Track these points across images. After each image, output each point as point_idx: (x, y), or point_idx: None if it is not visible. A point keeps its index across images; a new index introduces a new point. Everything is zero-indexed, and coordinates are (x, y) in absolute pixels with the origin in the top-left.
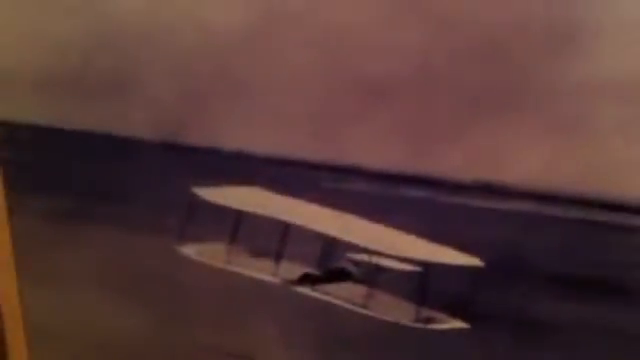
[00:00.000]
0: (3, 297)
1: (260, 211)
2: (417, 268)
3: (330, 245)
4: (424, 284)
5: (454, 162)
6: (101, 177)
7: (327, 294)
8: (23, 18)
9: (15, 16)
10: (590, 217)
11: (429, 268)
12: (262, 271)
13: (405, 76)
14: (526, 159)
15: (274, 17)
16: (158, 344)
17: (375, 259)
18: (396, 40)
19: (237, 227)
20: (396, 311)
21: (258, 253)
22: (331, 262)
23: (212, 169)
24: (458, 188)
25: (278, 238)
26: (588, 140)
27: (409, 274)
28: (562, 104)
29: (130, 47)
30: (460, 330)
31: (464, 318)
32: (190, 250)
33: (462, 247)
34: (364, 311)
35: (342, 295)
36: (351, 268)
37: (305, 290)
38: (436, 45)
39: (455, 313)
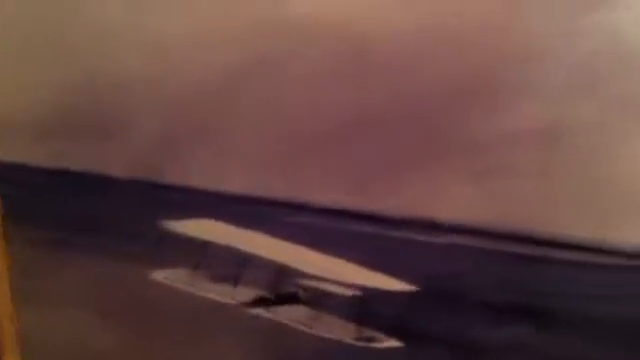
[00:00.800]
0: (1, 316)
1: (221, 241)
2: (357, 293)
3: (282, 272)
4: (364, 307)
5: (395, 201)
6: (86, 211)
7: (278, 315)
8: (19, 73)
9: (11, 70)
10: (514, 250)
11: (369, 293)
12: (221, 294)
13: (352, 128)
14: (457, 199)
15: (238, 79)
16: (131, 356)
17: (322, 285)
18: (343, 99)
19: (201, 255)
20: (339, 331)
21: (219, 278)
22: (283, 287)
23: (181, 204)
24: (398, 223)
25: (237, 265)
26: (509, 182)
27: (352, 298)
28: (488, 152)
29: (114, 98)
30: (397, 348)
31: (400, 338)
32: (159, 275)
33: (401, 275)
34: (310, 331)
35: (291, 316)
36: (300, 293)
37: (259, 311)
38: (378, 102)
39: (392, 333)
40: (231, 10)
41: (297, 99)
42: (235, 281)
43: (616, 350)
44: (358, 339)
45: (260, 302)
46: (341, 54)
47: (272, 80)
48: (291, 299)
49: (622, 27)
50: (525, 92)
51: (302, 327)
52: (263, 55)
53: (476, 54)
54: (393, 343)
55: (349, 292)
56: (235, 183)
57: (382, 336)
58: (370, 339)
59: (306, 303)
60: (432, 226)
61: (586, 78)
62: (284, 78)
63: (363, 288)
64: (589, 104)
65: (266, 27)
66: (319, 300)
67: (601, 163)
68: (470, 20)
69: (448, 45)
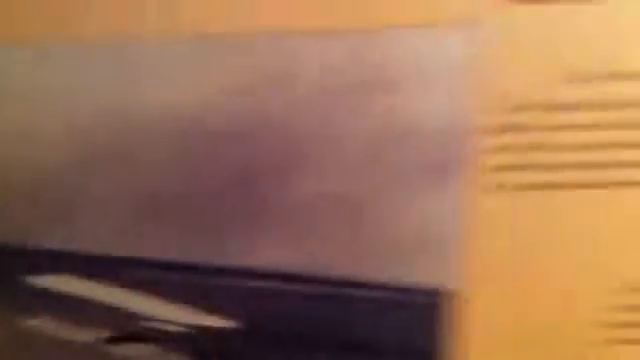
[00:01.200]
0: None
1: (78, 292)
2: (191, 331)
3: (129, 315)
4: (198, 343)
5: (223, 253)
6: None
7: (128, 352)
8: None
9: None
10: (325, 292)
11: (200, 330)
12: (78, 336)
13: (184, 200)
14: (274, 251)
15: (87, 164)
16: None
17: (161, 325)
18: (179, 176)
19: (62, 304)
20: None
21: (77, 323)
22: (130, 327)
23: (44, 263)
24: (223, 272)
25: (91, 311)
26: (321, 238)
27: (186, 335)
28: (300, 214)
29: None
30: None
31: None
32: (31, 323)
33: (227, 315)
34: None
35: (139, 353)
36: (147, 332)
37: (109, 349)
38: (210, 176)
39: None
40: (74, 102)
41: (140, 180)
42: (90, 324)
43: None
44: None
45: (112, 340)
46: (181, 141)
47: (119, 165)
48: (138, 338)
49: (403, 107)
50: (327, 166)
51: None
52: (111, 142)
53: (287, 137)
54: None
55: (183, 330)
56: (87, 243)
57: None
58: None
59: (150, 341)
60: (251, 273)
61: (371, 153)
62: (129, 163)
63: (194, 327)
64: (374, 175)
65: (113, 118)
66: (160, 338)
67: (391, 221)
68: (283, 109)
69: (266, 128)
